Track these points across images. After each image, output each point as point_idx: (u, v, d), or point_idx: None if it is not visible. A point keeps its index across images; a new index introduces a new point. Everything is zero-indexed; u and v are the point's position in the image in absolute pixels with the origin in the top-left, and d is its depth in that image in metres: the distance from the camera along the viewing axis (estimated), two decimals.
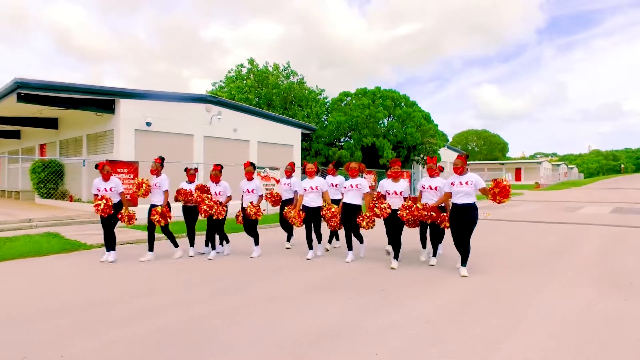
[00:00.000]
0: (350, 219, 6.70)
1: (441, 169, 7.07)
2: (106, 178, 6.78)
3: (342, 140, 25.58)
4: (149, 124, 13.21)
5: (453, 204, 5.89)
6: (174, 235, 7.35)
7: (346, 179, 7.21)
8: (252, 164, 7.31)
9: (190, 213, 7.33)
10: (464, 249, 5.86)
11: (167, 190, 7.01)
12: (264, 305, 4.59)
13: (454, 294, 5.02)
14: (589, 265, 6.61)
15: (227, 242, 7.49)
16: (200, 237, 8.65)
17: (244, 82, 24.33)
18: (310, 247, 7.06)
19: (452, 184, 5.90)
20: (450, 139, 73.94)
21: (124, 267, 6.51)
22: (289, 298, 4.85)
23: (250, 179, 7.24)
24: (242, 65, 25.30)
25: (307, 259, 6.92)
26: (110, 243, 6.84)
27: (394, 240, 6.39)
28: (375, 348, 3.41)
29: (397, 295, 4.94)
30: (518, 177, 54.52)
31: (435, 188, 6.42)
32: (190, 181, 7.42)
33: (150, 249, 7.02)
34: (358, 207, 6.70)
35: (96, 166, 6.77)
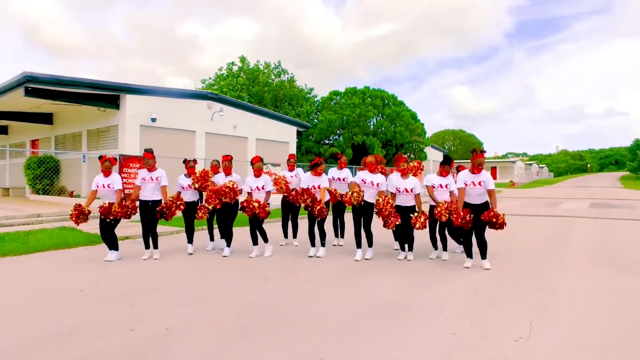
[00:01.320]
0: (368, 217, 6.48)
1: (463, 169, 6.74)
2: (106, 174, 6.37)
3: (331, 138, 26.06)
4: (154, 120, 13.32)
5: (466, 202, 5.86)
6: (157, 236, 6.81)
7: (353, 174, 7.13)
8: (262, 159, 6.93)
9: (193, 209, 7.09)
10: (482, 244, 5.90)
11: (166, 185, 6.66)
12: (318, 286, 5.01)
13: (483, 275, 5.57)
14: (590, 251, 7.32)
15: (230, 244, 6.99)
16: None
17: (236, 79, 24.46)
18: (313, 244, 6.82)
19: (465, 184, 5.81)
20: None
21: (165, 259, 6.78)
22: (339, 280, 5.29)
23: (259, 175, 6.81)
24: (233, 63, 25.45)
25: (310, 256, 6.66)
26: (111, 243, 6.47)
27: (408, 234, 6.49)
28: (441, 315, 3.90)
29: (438, 275, 5.46)
30: (494, 176, 56.50)
31: (446, 186, 6.33)
32: (190, 174, 7.12)
33: (153, 246, 6.68)
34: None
35: (100, 157, 6.39)
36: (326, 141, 25.88)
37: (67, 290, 4.76)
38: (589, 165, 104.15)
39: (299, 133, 22.25)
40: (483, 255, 5.95)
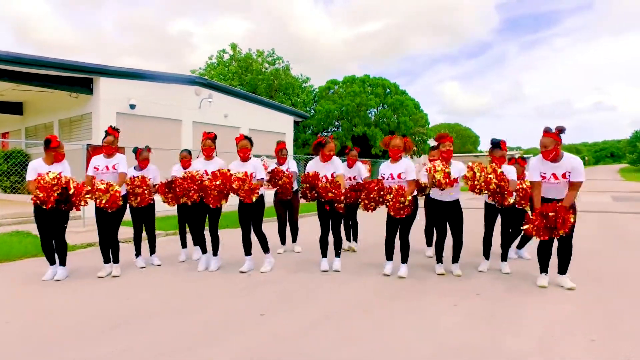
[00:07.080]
0: (406, 221, 4.76)
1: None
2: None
3: (329, 130, 24.54)
4: (132, 107, 11.70)
5: (543, 198, 4.23)
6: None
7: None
8: (248, 138, 5.16)
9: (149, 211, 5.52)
10: (565, 253, 4.22)
11: (124, 172, 5.05)
12: (343, 322, 3.50)
13: (574, 296, 4.08)
14: None
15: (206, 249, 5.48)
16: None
17: (227, 68, 22.79)
18: (325, 255, 5.29)
19: (542, 177, 4.14)
20: None
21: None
22: (372, 310, 3.77)
23: (246, 159, 5.13)
24: (224, 51, 23.72)
25: (323, 271, 5.11)
26: (59, 255, 4.89)
27: (455, 238, 4.89)
28: None
29: (514, 300, 3.94)
30: None
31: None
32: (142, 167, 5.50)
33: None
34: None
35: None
36: (324, 133, 24.33)
37: None
38: (586, 159, 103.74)
39: (295, 124, 20.71)
40: (562, 269, 4.26)
